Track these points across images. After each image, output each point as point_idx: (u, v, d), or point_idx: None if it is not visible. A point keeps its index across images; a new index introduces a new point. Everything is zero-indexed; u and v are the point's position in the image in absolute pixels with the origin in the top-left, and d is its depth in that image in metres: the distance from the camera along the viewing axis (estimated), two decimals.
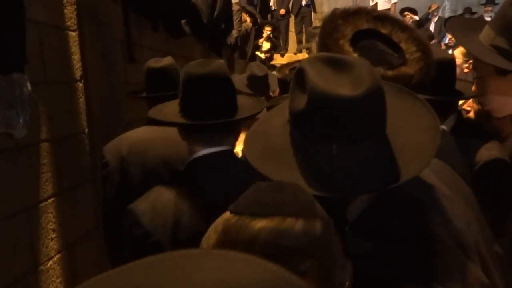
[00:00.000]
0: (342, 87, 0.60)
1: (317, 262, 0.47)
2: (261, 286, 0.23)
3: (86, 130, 2.12)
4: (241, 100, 1.20)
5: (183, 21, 3.36)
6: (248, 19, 6.60)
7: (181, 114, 1.13)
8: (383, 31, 0.99)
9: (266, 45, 8.04)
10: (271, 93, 2.97)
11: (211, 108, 1.10)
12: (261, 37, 7.68)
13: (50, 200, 1.85)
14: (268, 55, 8.06)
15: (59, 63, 1.93)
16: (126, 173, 1.52)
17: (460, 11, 9.56)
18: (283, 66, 3.09)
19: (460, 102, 1.72)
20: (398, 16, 7.52)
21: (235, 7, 5.50)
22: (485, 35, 1.05)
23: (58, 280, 1.87)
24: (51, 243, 1.85)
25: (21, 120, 1.47)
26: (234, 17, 5.38)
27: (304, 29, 8.65)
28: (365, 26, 1.00)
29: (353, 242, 0.64)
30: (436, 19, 7.64)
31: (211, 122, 1.09)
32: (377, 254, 0.62)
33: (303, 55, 8.54)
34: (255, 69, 2.89)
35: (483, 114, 1.43)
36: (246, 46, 6.59)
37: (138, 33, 2.75)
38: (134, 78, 2.54)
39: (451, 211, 0.70)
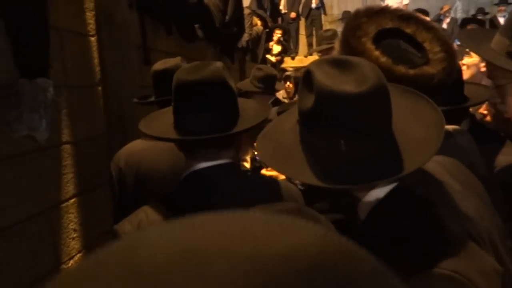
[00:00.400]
0: (347, 84, 0.63)
1: None
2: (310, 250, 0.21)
3: (105, 133, 2.17)
4: (246, 104, 1.08)
5: (196, 26, 3.42)
6: (258, 22, 6.64)
7: (175, 125, 1.01)
8: (407, 30, 0.99)
9: (276, 48, 8.05)
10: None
11: (206, 121, 0.97)
12: (272, 40, 7.70)
13: (71, 201, 1.90)
14: (278, 58, 8.07)
15: (79, 67, 1.99)
16: (123, 184, 1.52)
17: (472, 12, 9.47)
18: (301, 68, 3.13)
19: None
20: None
21: (246, 11, 5.55)
22: (499, 43, 1.04)
23: None
24: (72, 242, 1.90)
25: (43, 123, 1.53)
26: (245, 21, 5.42)
27: (314, 32, 8.65)
28: (389, 25, 1.00)
29: (363, 239, 0.66)
30: (448, 20, 7.59)
31: (204, 137, 0.96)
32: (387, 249, 0.64)
33: (314, 58, 8.56)
34: (266, 69, 2.95)
35: (501, 118, 1.41)
36: (257, 50, 6.63)
37: (153, 37, 2.81)
38: (150, 81, 2.59)
39: (463, 205, 0.72)
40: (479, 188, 0.85)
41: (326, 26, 9.41)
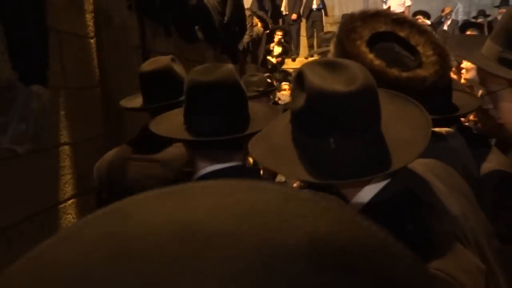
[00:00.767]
0: (337, 84, 0.65)
1: None
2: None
3: (103, 134, 2.19)
4: (255, 108, 1.08)
5: (196, 27, 3.43)
6: (259, 23, 6.66)
7: (186, 127, 1.01)
8: (401, 34, 1.01)
9: (277, 50, 8.07)
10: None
11: (219, 121, 0.97)
12: (272, 41, 7.72)
13: (69, 202, 1.92)
14: (279, 59, 8.08)
15: (78, 69, 2.01)
16: (106, 192, 1.45)
17: (473, 13, 9.46)
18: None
19: None
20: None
21: (246, 12, 5.57)
22: (489, 49, 1.04)
23: None
24: None
25: (29, 134, 1.51)
26: (246, 22, 5.44)
27: (315, 34, 8.66)
28: (383, 28, 1.02)
29: None
30: (449, 22, 7.59)
31: (219, 138, 0.96)
32: None
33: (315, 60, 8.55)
34: (259, 74, 3.01)
35: (494, 124, 1.40)
36: (257, 51, 6.64)
37: (153, 38, 2.83)
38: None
39: (447, 205, 0.73)
40: (465, 189, 0.86)
41: (327, 27, 9.41)
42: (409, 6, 8.12)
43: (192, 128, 0.99)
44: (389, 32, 1.01)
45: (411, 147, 0.67)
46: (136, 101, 1.53)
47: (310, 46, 8.73)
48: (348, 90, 0.64)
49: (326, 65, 0.69)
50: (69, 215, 1.92)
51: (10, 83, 1.47)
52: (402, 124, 0.71)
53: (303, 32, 8.80)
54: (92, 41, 2.12)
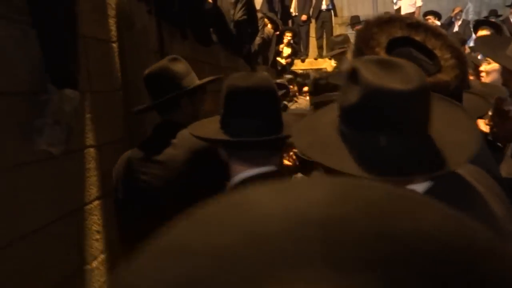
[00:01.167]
0: (395, 82, 0.66)
1: None
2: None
3: (125, 136, 2.22)
4: (284, 115, 1.11)
5: (211, 29, 3.46)
6: (269, 25, 6.68)
7: (223, 131, 1.03)
8: (417, 38, 1.01)
9: (286, 51, 8.09)
10: None
11: (257, 124, 1.00)
12: (282, 43, 7.74)
13: (94, 203, 1.95)
14: (288, 60, 8.10)
15: (102, 73, 2.05)
16: (119, 192, 1.55)
17: (484, 13, 9.39)
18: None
19: None
20: (422, 19, 7.46)
21: (258, 15, 5.59)
22: None
23: (102, 280, 1.96)
24: (95, 243, 1.95)
25: (63, 136, 1.56)
26: (258, 24, 5.46)
27: (324, 35, 8.66)
28: (399, 33, 1.03)
29: None
30: (460, 22, 7.55)
31: (259, 139, 0.99)
32: None
33: (324, 61, 8.56)
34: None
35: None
36: (268, 52, 6.66)
37: (169, 42, 2.87)
38: None
39: (491, 209, 0.74)
40: (501, 194, 0.87)
41: (336, 28, 9.41)
42: (419, 6, 8.09)
43: (230, 130, 1.02)
44: (405, 37, 1.02)
45: (462, 149, 0.68)
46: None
47: (320, 47, 8.73)
48: (406, 89, 0.65)
49: (380, 62, 0.70)
50: (94, 216, 1.95)
51: (44, 87, 1.51)
52: (450, 127, 0.72)
53: (312, 33, 8.81)
54: (114, 45, 2.16)
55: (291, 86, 4.60)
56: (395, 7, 8.27)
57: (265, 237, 0.19)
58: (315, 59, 8.77)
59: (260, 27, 5.72)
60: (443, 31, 1.14)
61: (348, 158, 0.68)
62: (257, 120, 1.00)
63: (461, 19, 7.68)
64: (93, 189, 1.95)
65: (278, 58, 7.78)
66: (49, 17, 1.49)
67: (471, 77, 2.31)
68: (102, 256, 1.99)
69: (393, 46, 1.01)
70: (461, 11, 7.95)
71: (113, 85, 2.15)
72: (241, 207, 0.21)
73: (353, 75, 0.70)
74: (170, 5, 2.58)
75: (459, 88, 0.94)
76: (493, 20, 6.42)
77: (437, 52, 1.00)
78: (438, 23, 7.29)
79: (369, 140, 0.67)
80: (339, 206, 0.19)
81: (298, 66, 8.62)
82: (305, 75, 5.30)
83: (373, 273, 0.17)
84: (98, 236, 1.97)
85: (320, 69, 8.47)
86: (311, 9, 8.50)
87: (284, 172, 1.14)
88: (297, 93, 4.69)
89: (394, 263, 0.17)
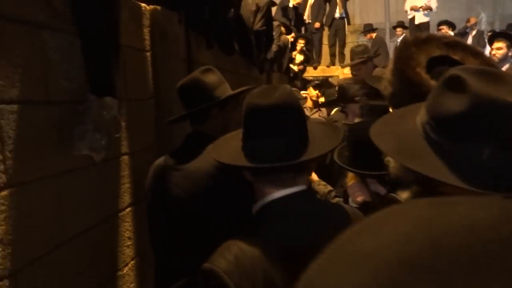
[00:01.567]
0: (507, 95, 0.63)
1: None
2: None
3: (156, 144, 2.25)
4: (312, 126, 1.03)
5: (234, 37, 3.50)
6: (285, 33, 6.73)
7: (245, 153, 0.97)
8: (455, 57, 1.02)
9: (299, 58, 8.12)
10: None
11: (281, 145, 0.93)
12: (295, 50, 7.78)
13: (127, 210, 1.98)
14: (301, 67, 8.14)
15: (136, 81, 2.08)
16: (151, 199, 1.56)
17: (497, 23, 9.38)
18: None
19: None
20: (435, 27, 7.46)
21: (275, 23, 5.63)
22: None
23: (132, 285, 1.99)
24: (127, 250, 1.97)
25: (103, 143, 1.59)
26: (274, 32, 5.50)
27: (337, 42, 8.69)
28: (437, 52, 1.03)
29: None
30: (474, 32, 7.55)
31: (283, 164, 0.92)
32: None
33: (336, 68, 8.58)
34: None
35: None
36: (283, 59, 6.70)
37: (196, 51, 2.90)
38: None
39: None
40: None
41: (348, 36, 9.44)
42: (435, 6, 8.06)
43: (251, 153, 0.95)
44: (444, 56, 1.02)
45: None
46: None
47: (332, 55, 8.76)
48: None
49: (483, 73, 0.67)
50: (126, 223, 1.98)
51: (84, 95, 1.55)
52: None
53: (325, 40, 8.84)
54: (148, 54, 2.19)
55: (317, 93, 4.61)
56: (409, 16, 8.27)
57: (449, 249, 0.22)
58: (328, 66, 8.80)
59: (276, 35, 5.75)
60: (481, 50, 1.15)
61: (443, 167, 0.66)
62: (281, 140, 0.93)
63: (476, 30, 7.67)
64: (126, 196, 1.97)
65: (291, 65, 7.82)
66: (94, 28, 1.53)
67: None
68: (132, 262, 2.01)
69: (432, 65, 1.02)
70: (476, 22, 7.94)
71: (146, 93, 2.18)
72: (421, 221, 0.25)
73: (456, 83, 0.67)
74: (201, 14, 2.61)
75: None
76: (509, 32, 6.42)
77: None
78: (452, 33, 7.28)
79: (470, 151, 0.65)
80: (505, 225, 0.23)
81: (310, 73, 8.65)
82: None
83: None
84: (129, 243, 1.99)
85: (332, 76, 8.50)
86: (325, 17, 8.54)
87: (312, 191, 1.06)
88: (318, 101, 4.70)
89: None
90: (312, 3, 8.43)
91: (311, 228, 0.92)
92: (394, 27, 8.15)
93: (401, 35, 7.74)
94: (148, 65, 2.19)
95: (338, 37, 8.60)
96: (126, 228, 1.97)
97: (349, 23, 8.83)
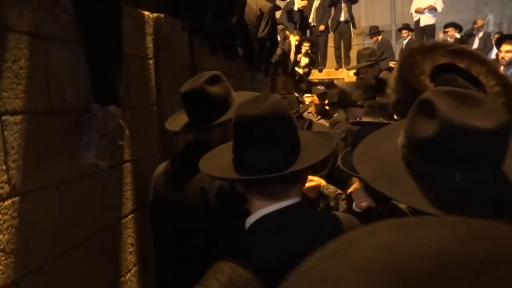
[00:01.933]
0: (476, 119, 0.63)
1: None
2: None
3: (159, 151, 2.27)
4: (304, 135, 1.02)
5: (237, 41, 3.51)
6: (290, 36, 6.74)
7: (235, 164, 0.95)
8: (461, 65, 1.01)
9: (304, 61, 8.13)
10: None
11: (271, 157, 0.91)
12: (300, 52, 7.78)
13: (129, 217, 2.00)
14: (306, 70, 8.14)
15: (139, 89, 2.10)
16: (150, 205, 1.58)
17: (505, 25, 9.30)
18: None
19: None
20: (441, 29, 7.43)
21: (279, 27, 5.64)
22: None
23: None
24: (129, 256, 1.99)
25: (109, 151, 1.61)
26: (278, 36, 5.51)
27: (342, 45, 8.68)
28: (442, 60, 1.03)
29: None
30: (481, 34, 7.49)
31: (273, 175, 0.89)
32: None
33: (342, 71, 8.57)
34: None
35: None
36: (287, 62, 6.71)
37: (199, 57, 2.92)
38: None
39: None
40: None
41: (354, 38, 9.42)
42: (440, 7, 8.01)
43: (241, 164, 0.94)
44: (449, 63, 1.01)
45: None
46: (179, 119, 1.62)
47: (337, 58, 8.75)
48: (488, 126, 0.63)
49: (456, 95, 0.67)
50: (129, 229, 1.99)
51: (88, 104, 1.57)
52: None
53: (330, 43, 8.83)
54: (151, 61, 2.21)
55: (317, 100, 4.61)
56: (415, 19, 8.23)
57: (407, 278, 0.23)
58: (336, 69, 8.78)
59: (281, 39, 5.76)
60: (487, 57, 1.14)
61: (418, 193, 0.66)
62: (270, 151, 0.91)
63: (483, 31, 7.62)
64: (128, 202, 1.99)
65: (296, 68, 7.82)
66: (98, 38, 1.55)
67: None
68: (135, 268, 2.03)
69: (437, 73, 1.01)
70: (483, 24, 7.88)
71: (149, 100, 2.20)
72: (381, 247, 0.26)
73: (427, 107, 0.67)
74: (204, 21, 2.63)
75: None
76: None
77: (482, 79, 0.99)
78: (458, 35, 7.24)
79: (443, 175, 0.66)
80: (472, 247, 0.24)
81: (315, 76, 8.65)
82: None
83: None
84: (132, 249, 2.01)
85: (337, 79, 8.48)
86: (330, 20, 8.53)
87: (306, 203, 1.03)
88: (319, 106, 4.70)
89: None
90: (317, 6, 8.43)
91: (305, 244, 0.89)
92: (400, 29, 8.12)
93: (407, 37, 7.71)
94: (151, 73, 2.21)
95: (344, 39, 8.58)
96: (129, 235, 1.99)
97: (354, 27, 8.80)
